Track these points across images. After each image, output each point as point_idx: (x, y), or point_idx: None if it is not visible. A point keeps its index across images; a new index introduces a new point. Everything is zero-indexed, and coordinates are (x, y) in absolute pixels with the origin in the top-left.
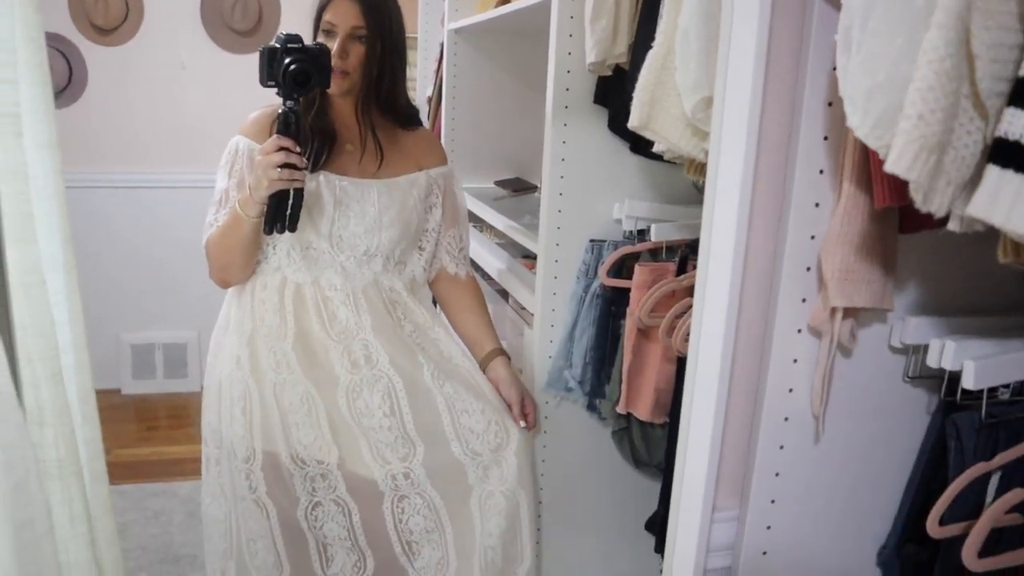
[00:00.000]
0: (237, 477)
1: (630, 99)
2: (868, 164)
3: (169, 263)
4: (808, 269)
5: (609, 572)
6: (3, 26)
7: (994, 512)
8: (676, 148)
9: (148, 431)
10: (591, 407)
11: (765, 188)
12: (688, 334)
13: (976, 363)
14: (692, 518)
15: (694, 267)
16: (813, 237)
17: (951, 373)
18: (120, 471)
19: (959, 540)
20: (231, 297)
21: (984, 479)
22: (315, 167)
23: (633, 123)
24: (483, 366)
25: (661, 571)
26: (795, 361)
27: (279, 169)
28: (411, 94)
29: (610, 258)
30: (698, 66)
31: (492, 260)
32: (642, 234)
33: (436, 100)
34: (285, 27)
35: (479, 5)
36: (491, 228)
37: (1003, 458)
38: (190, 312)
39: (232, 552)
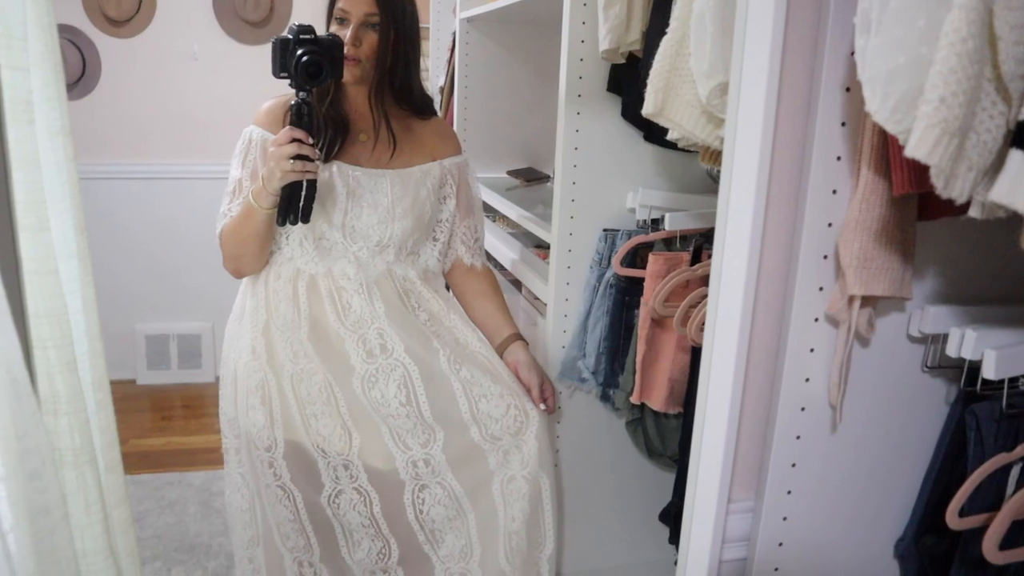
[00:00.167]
0: (260, 466)
1: (644, 87)
2: (887, 150)
3: (183, 254)
4: (825, 257)
5: (623, 562)
6: (14, 13)
7: (1015, 504)
8: (691, 135)
9: (163, 421)
10: (605, 397)
11: (781, 175)
12: (703, 323)
13: (997, 352)
14: (708, 509)
15: (708, 256)
16: (830, 225)
17: (971, 363)
18: (135, 461)
19: (979, 532)
20: (245, 287)
21: (1004, 470)
22: (328, 157)
23: (647, 110)
24: (501, 351)
25: (675, 562)
26: (812, 350)
27: (292, 161)
28: (424, 84)
29: (623, 247)
30: (713, 51)
31: (505, 250)
32: (656, 223)
33: (448, 90)
34: (297, 18)
35: None
36: (504, 218)
37: None
38: (204, 303)
39: (259, 540)
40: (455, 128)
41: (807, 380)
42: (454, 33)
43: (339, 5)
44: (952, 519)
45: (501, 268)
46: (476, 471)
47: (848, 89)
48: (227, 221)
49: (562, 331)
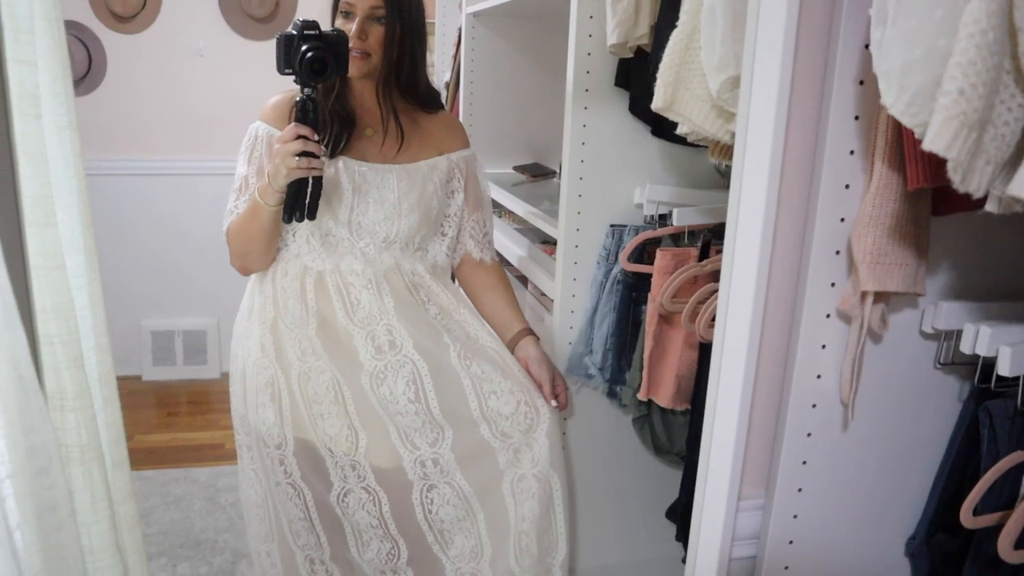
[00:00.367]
0: (270, 463)
1: (652, 81)
2: (901, 144)
3: (189, 250)
4: (837, 252)
5: (629, 559)
6: (21, 7)
7: None
8: (700, 130)
9: (169, 417)
10: (611, 394)
11: (793, 169)
12: (712, 320)
13: (1013, 349)
14: (717, 507)
15: (716, 252)
16: (843, 220)
17: (985, 359)
18: (141, 457)
19: (992, 530)
20: (253, 284)
21: (1018, 468)
22: (334, 152)
23: (656, 104)
24: (512, 346)
25: (682, 559)
26: (823, 347)
27: (297, 158)
28: (430, 79)
29: (631, 243)
30: (724, 45)
31: (511, 246)
32: (663, 219)
33: (454, 85)
34: (303, 13)
35: None
36: (510, 213)
37: None
38: (210, 299)
39: (273, 534)
40: None
41: (818, 377)
42: (460, 28)
43: None
44: (966, 518)
45: (508, 264)
46: (486, 470)
47: (862, 82)
48: (233, 218)
49: (569, 327)
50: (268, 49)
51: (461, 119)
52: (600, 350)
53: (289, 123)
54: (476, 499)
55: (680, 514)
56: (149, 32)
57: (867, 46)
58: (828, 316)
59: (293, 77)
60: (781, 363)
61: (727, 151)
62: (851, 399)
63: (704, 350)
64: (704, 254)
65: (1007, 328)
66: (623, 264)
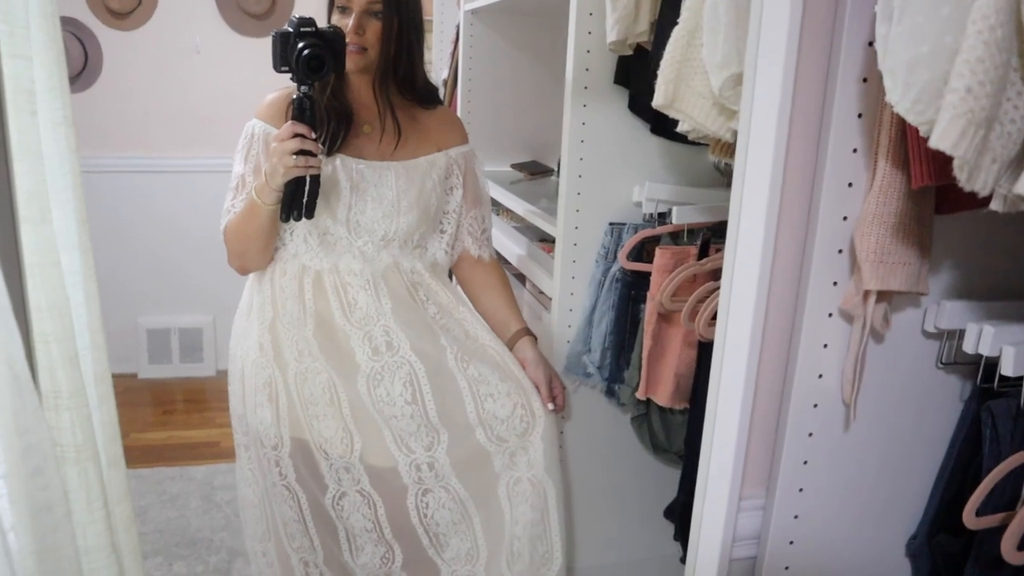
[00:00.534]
0: (267, 463)
1: (652, 78)
2: (905, 141)
3: (185, 248)
4: (840, 251)
5: (627, 558)
6: (16, 1)
7: None
8: (702, 127)
9: (164, 415)
10: (610, 393)
11: (796, 167)
12: (711, 318)
13: (1016, 349)
14: (718, 507)
15: (716, 250)
16: (845, 218)
17: (987, 359)
18: (137, 455)
19: (994, 531)
20: (252, 283)
21: (1020, 468)
22: (331, 150)
23: (657, 102)
24: (509, 346)
25: (680, 558)
26: (825, 346)
27: (294, 156)
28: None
29: (630, 241)
30: (727, 42)
31: (510, 244)
32: (662, 217)
33: (452, 82)
34: (299, 9)
35: None
36: (508, 211)
37: None
38: (206, 297)
39: (270, 534)
40: None
41: (820, 376)
42: (458, 25)
43: None
44: (969, 519)
45: (505, 262)
46: (481, 474)
47: (865, 80)
48: (230, 218)
49: (567, 326)
50: (265, 46)
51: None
52: (599, 349)
53: (286, 121)
54: (472, 502)
55: (678, 513)
56: (145, 29)
57: (871, 43)
58: (830, 315)
59: (289, 75)
60: (782, 362)
61: (728, 149)
62: (853, 399)
63: (703, 349)
64: (703, 252)
65: (1010, 328)
66: (622, 262)
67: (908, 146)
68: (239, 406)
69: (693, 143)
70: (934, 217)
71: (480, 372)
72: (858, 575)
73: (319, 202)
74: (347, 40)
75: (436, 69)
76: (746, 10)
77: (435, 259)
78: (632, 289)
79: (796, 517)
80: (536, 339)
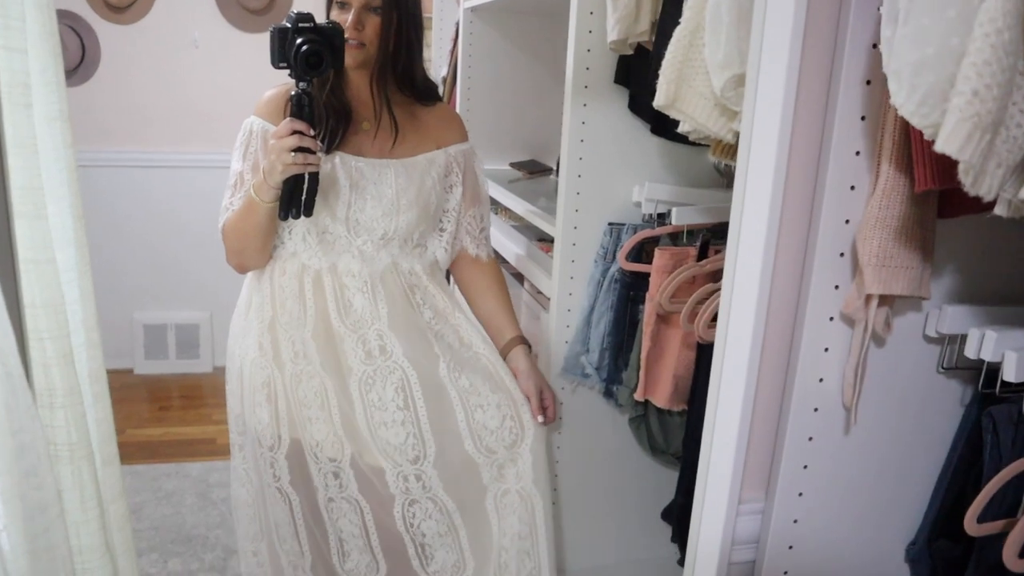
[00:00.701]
0: (262, 464)
1: (653, 78)
2: (908, 145)
3: (182, 243)
4: (842, 255)
5: (623, 560)
6: None
7: None
8: (703, 128)
9: (160, 411)
10: (608, 394)
11: (798, 170)
12: (711, 320)
13: (1018, 354)
14: (717, 510)
15: (715, 252)
16: (848, 221)
17: (989, 364)
18: (132, 451)
19: (995, 537)
20: (250, 282)
21: (1022, 475)
22: (330, 148)
23: (658, 102)
24: (503, 354)
25: (678, 560)
26: (826, 350)
27: (293, 153)
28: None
29: (629, 242)
30: (729, 42)
31: (508, 243)
32: (662, 217)
33: (451, 80)
34: (298, 5)
35: None
36: (507, 210)
37: None
38: (203, 293)
39: (262, 534)
40: None
41: (821, 380)
42: (457, 23)
43: None
44: (971, 526)
45: (504, 261)
46: (469, 486)
47: (869, 82)
48: (229, 215)
49: (565, 326)
50: (264, 42)
51: None
52: (597, 349)
53: (284, 118)
54: (458, 515)
55: (676, 515)
56: (143, 23)
57: (875, 45)
58: (831, 319)
59: (288, 71)
60: (783, 366)
61: (728, 150)
62: (854, 403)
63: (701, 351)
64: (703, 254)
65: (1012, 333)
66: (621, 263)
67: (912, 149)
68: (237, 405)
69: (693, 144)
70: (936, 221)
71: (472, 382)
72: None
73: (318, 200)
74: (346, 36)
75: (435, 67)
76: (748, 10)
77: (435, 258)
78: (631, 290)
79: (796, 521)
80: (530, 347)
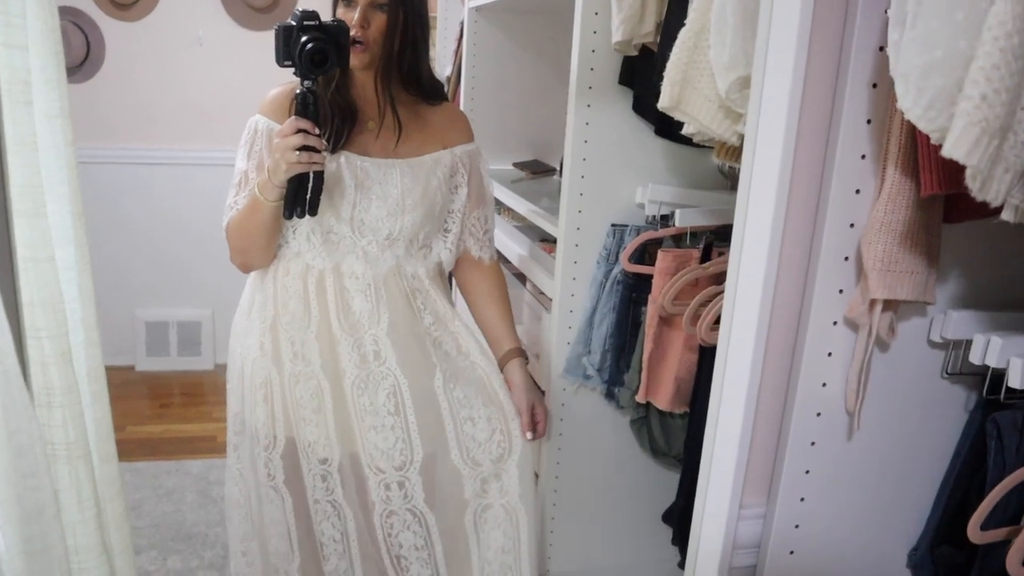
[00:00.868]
0: (258, 463)
1: (657, 79)
2: (915, 149)
3: (185, 240)
4: (846, 259)
5: (623, 561)
6: None
7: None
8: (707, 130)
9: (161, 408)
10: (609, 395)
11: (803, 173)
12: (714, 323)
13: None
14: (718, 515)
15: (719, 254)
16: (852, 225)
17: (994, 370)
18: (133, 448)
19: (998, 544)
20: (253, 281)
21: None
22: (335, 147)
23: (663, 103)
24: (500, 365)
25: (679, 563)
26: (829, 354)
27: (297, 152)
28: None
29: (632, 243)
30: (734, 44)
31: (511, 244)
32: (665, 219)
33: (455, 80)
34: (303, 3)
35: None
36: (509, 211)
37: None
38: (205, 290)
39: (253, 534)
40: None
41: (824, 385)
42: (462, 22)
43: None
44: (974, 533)
45: (506, 262)
46: (450, 499)
47: (875, 85)
48: (233, 214)
49: (567, 327)
50: (268, 40)
51: None
52: (599, 351)
53: (289, 116)
54: (436, 528)
55: (677, 517)
56: (148, 20)
57: (882, 48)
58: (835, 323)
59: (293, 69)
60: (786, 370)
61: (733, 152)
62: (857, 408)
63: (704, 353)
64: (706, 256)
65: (1018, 339)
66: (624, 265)
67: (918, 153)
68: (236, 404)
69: (697, 145)
70: (942, 225)
71: (465, 394)
72: None
73: (323, 200)
74: (352, 34)
75: (440, 66)
76: (754, 12)
77: (439, 259)
78: (633, 291)
79: (797, 526)
80: (527, 359)
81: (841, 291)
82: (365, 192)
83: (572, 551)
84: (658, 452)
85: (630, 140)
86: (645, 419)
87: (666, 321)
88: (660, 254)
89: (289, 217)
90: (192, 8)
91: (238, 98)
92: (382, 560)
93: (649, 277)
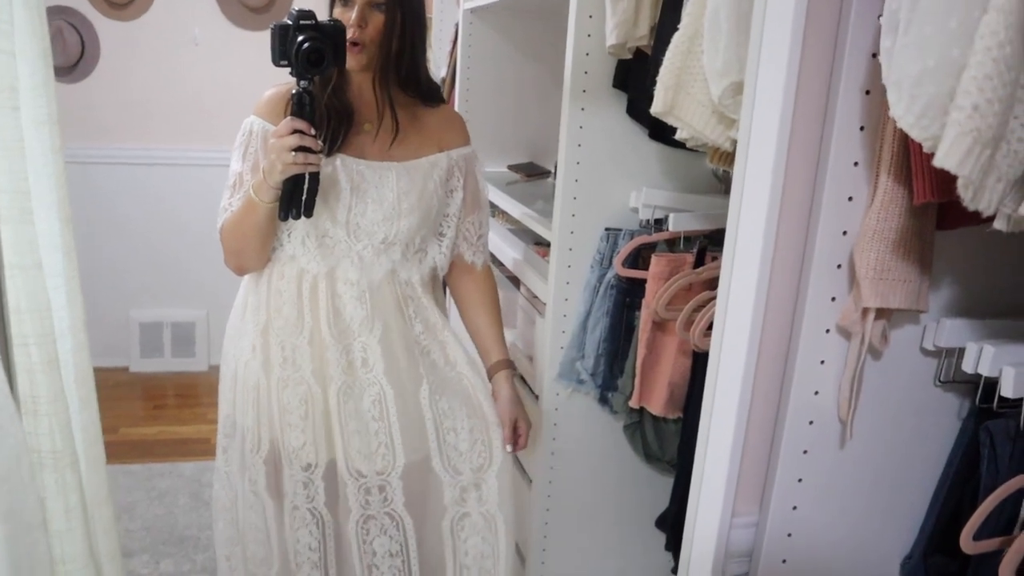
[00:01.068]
0: (245, 467)
1: (651, 84)
2: (908, 156)
3: (180, 241)
4: (839, 266)
5: (617, 567)
6: None
7: None
8: (700, 136)
9: (155, 410)
10: (603, 400)
11: (795, 180)
12: (707, 328)
13: (1016, 370)
14: (711, 523)
15: (713, 259)
16: (845, 233)
17: (987, 379)
18: (126, 450)
19: (992, 553)
20: (247, 284)
21: (1019, 490)
22: (332, 150)
23: (656, 108)
24: (488, 375)
25: (672, 569)
26: (822, 362)
27: (293, 153)
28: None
29: (626, 248)
30: (727, 49)
31: (504, 247)
32: (659, 223)
33: (450, 81)
34: (299, 3)
35: None
36: (504, 214)
37: None
38: (199, 291)
39: (237, 538)
40: None
41: (816, 393)
42: (457, 24)
43: None
44: (967, 543)
45: (500, 265)
46: (429, 504)
47: (868, 92)
48: (228, 216)
49: (561, 331)
50: (264, 40)
51: None
52: (592, 355)
53: (285, 117)
54: (414, 535)
55: (670, 523)
56: (143, 19)
57: (875, 55)
58: (827, 331)
59: (289, 69)
60: (778, 378)
61: (726, 158)
62: (849, 417)
63: (698, 358)
64: (700, 260)
65: (1010, 348)
66: (618, 269)
67: (911, 161)
68: (228, 407)
69: (692, 149)
70: (935, 232)
71: (450, 405)
72: None
73: (319, 203)
74: (349, 35)
75: (435, 68)
76: (747, 17)
77: (434, 264)
78: (627, 296)
79: (790, 535)
80: (514, 371)
81: (834, 299)
82: (361, 195)
83: (565, 556)
84: (652, 457)
85: (624, 144)
86: (639, 424)
87: (660, 326)
88: (654, 259)
89: (284, 219)
90: (188, 8)
91: (234, 98)
92: (353, 569)
93: (643, 282)
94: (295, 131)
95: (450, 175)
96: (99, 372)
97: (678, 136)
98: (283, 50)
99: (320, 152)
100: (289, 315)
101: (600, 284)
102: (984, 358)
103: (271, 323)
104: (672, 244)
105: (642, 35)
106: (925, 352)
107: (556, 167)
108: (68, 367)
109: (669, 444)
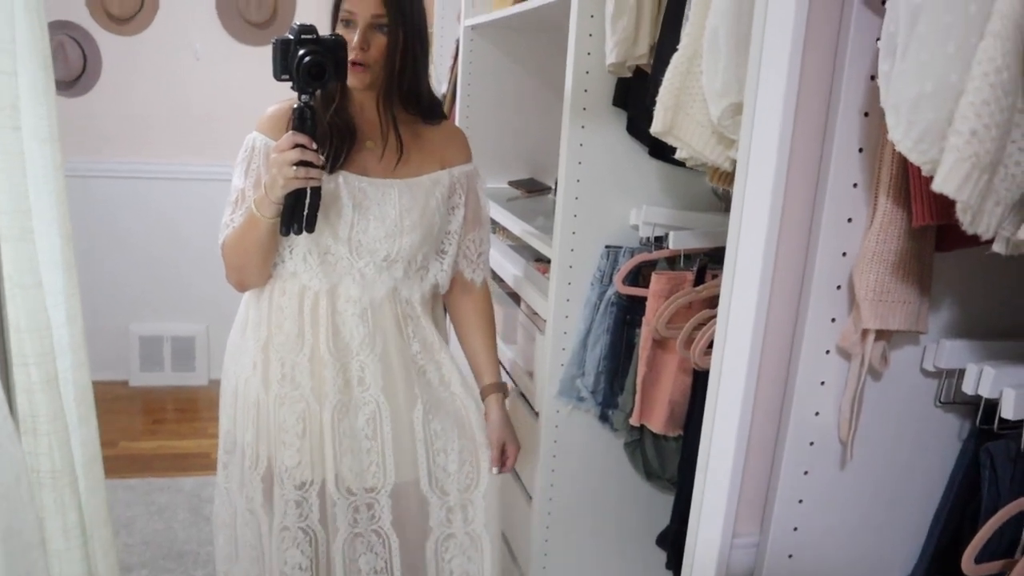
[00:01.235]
0: (243, 484)
1: (651, 102)
2: (906, 178)
3: (181, 255)
4: (839, 287)
5: None
6: (1, 11)
7: None
8: (700, 156)
9: (155, 424)
10: (603, 418)
11: (795, 201)
12: (708, 347)
13: (1016, 392)
14: (711, 544)
15: (713, 277)
16: (845, 254)
17: (987, 400)
18: (126, 464)
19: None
20: (248, 299)
21: (1020, 513)
22: (334, 167)
23: (656, 128)
24: (481, 396)
25: None
26: (822, 383)
27: (295, 167)
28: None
29: (626, 265)
30: (726, 70)
31: (505, 263)
32: (659, 241)
33: (451, 97)
34: (300, 19)
35: (496, 1)
36: (504, 230)
37: None
38: (199, 305)
39: (235, 556)
40: None
41: (816, 414)
42: (458, 40)
43: (345, 6)
44: (968, 566)
45: (500, 281)
46: (415, 525)
47: (867, 114)
48: (229, 232)
49: (561, 348)
50: (265, 55)
51: None
52: (592, 373)
53: (286, 133)
54: (398, 554)
55: (671, 541)
56: (145, 34)
57: (873, 77)
58: (828, 352)
59: (290, 83)
60: (779, 399)
61: (726, 177)
62: (850, 437)
63: (698, 376)
64: (700, 278)
65: (1011, 369)
66: (618, 286)
67: (910, 183)
68: (228, 423)
69: (692, 168)
70: (934, 254)
71: (443, 427)
72: None
73: (321, 220)
74: (352, 57)
75: (435, 84)
76: (746, 38)
77: (435, 282)
78: (627, 313)
79: (791, 556)
80: (506, 394)
81: (834, 320)
82: (363, 212)
83: (565, 574)
84: (652, 475)
85: (624, 161)
86: (639, 442)
87: (660, 344)
88: (654, 276)
89: (286, 234)
90: (189, 22)
91: (235, 113)
92: None
93: (643, 299)
94: (296, 145)
95: (452, 192)
96: (98, 386)
97: (678, 156)
98: (284, 64)
99: (322, 167)
100: (290, 331)
101: (600, 301)
102: (984, 379)
103: (272, 339)
104: (672, 262)
105: (642, 54)
106: (925, 373)
107: (556, 184)
108: (68, 385)
109: (670, 462)
